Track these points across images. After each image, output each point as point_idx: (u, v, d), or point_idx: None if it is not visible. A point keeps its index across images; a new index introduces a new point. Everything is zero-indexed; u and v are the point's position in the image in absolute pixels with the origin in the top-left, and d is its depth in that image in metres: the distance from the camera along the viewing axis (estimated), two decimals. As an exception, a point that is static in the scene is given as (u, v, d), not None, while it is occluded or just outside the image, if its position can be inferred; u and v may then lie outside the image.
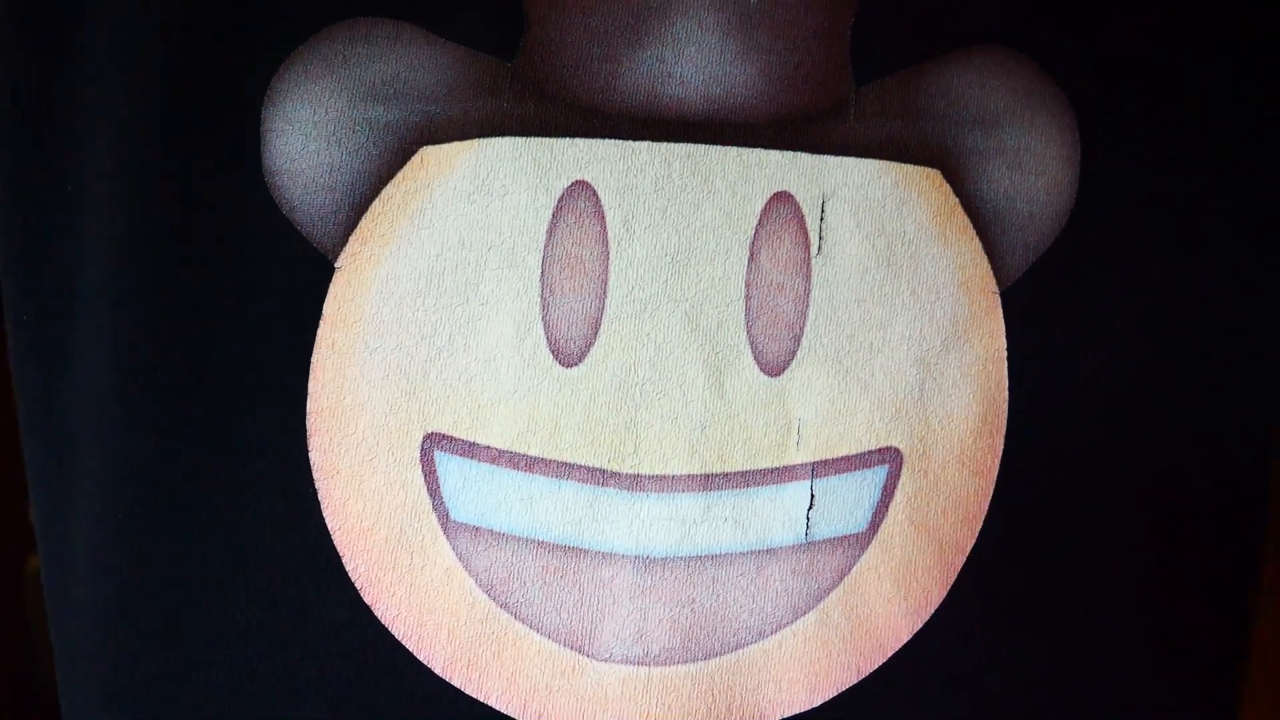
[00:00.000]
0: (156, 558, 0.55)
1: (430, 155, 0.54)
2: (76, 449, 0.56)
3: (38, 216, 0.55)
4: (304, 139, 0.53)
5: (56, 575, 0.58)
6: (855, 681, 0.56)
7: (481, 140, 0.54)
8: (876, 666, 0.57)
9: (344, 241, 0.54)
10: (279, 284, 0.54)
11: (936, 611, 0.57)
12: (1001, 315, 0.56)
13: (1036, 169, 0.55)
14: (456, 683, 0.55)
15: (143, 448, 0.55)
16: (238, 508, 0.55)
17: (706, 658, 0.56)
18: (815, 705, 0.56)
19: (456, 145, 0.54)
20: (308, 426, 0.54)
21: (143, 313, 0.54)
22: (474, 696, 0.55)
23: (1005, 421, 0.56)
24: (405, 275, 0.54)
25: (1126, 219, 0.56)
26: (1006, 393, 0.56)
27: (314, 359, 0.54)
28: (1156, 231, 0.56)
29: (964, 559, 0.57)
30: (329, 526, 0.54)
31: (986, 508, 0.57)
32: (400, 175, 0.54)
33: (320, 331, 0.54)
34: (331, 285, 0.54)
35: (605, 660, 0.55)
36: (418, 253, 0.54)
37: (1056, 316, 0.56)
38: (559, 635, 0.55)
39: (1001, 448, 0.56)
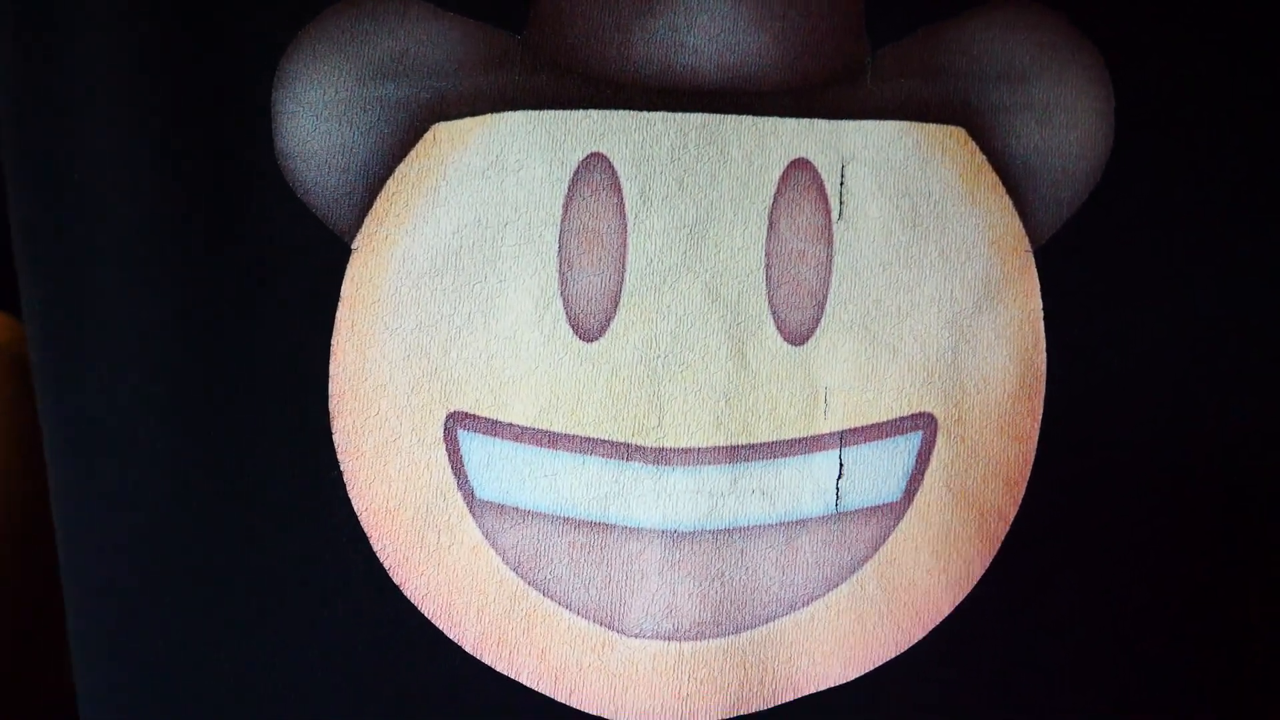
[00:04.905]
0: (180, 544, 0.56)
1: (443, 132, 0.53)
2: (95, 440, 0.56)
3: (45, 210, 0.56)
4: (315, 120, 0.53)
5: (76, 563, 0.59)
6: (893, 655, 0.55)
7: (494, 115, 0.53)
8: (915, 640, 0.55)
9: (359, 223, 0.54)
10: (296, 268, 0.54)
11: (979, 583, 0.55)
12: (1036, 274, 0.54)
13: (1068, 123, 0.53)
14: (487, 660, 0.55)
15: (163, 436, 0.55)
16: (262, 493, 0.55)
17: (737, 631, 0.55)
18: (850, 679, 0.55)
19: (469, 121, 0.53)
20: (330, 409, 0.54)
21: (158, 303, 0.54)
22: (504, 674, 0.55)
23: (1044, 385, 0.55)
24: (422, 254, 0.54)
25: (1166, 172, 0.54)
26: (1044, 355, 0.55)
27: (334, 342, 0.54)
28: (1199, 184, 0.54)
29: (1006, 528, 0.55)
30: (355, 508, 0.54)
31: (1028, 474, 0.55)
32: (413, 153, 0.53)
33: (339, 314, 0.54)
34: (349, 267, 0.54)
35: (636, 636, 0.55)
36: (434, 231, 0.54)
37: (1094, 274, 0.54)
38: (588, 612, 0.55)
39: (1041, 412, 0.55)
